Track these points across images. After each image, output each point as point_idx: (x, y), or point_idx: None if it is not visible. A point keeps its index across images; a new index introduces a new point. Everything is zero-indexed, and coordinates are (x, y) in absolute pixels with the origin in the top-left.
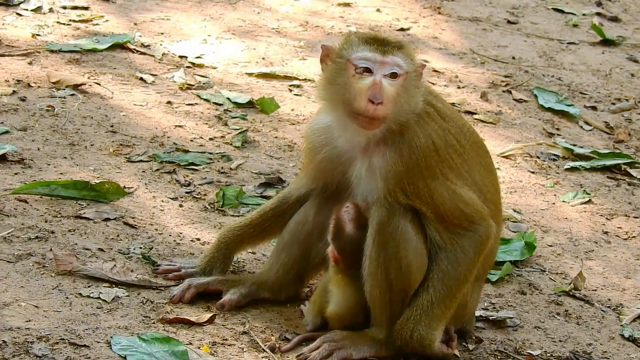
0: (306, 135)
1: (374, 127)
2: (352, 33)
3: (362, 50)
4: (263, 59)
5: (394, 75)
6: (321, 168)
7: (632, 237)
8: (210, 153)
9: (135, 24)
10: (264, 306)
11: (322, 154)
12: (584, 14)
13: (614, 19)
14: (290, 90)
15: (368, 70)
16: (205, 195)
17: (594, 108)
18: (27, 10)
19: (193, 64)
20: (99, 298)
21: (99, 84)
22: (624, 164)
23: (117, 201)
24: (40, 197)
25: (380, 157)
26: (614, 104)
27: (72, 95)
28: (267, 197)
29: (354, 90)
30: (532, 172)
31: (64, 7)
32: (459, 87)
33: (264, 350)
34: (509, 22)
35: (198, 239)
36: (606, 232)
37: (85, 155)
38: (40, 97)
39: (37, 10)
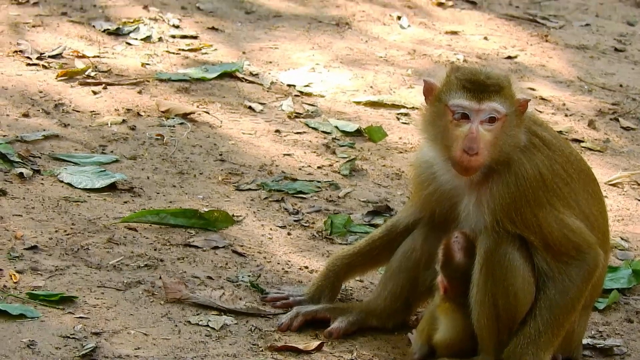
0: (413, 167)
1: (469, 174)
2: (452, 72)
3: (459, 97)
4: (371, 87)
5: (492, 120)
6: (428, 200)
7: None
8: (319, 181)
9: (244, 52)
10: (371, 334)
11: (429, 188)
12: None
13: None
14: (398, 119)
15: (465, 117)
16: (313, 223)
17: None
18: (136, 39)
19: (301, 92)
20: (208, 326)
21: (208, 113)
22: None
23: (225, 229)
24: (150, 225)
25: (487, 190)
26: None
27: (181, 124)
28: (375, 226)
29: (451, 136)
30: None
31: (173, 37)
32: (566, 115)
33: None
34: (616, 49)
35: (306, 267)
36: None
37: (194, 184)
38: (149, 125)
39: (147, 39)
